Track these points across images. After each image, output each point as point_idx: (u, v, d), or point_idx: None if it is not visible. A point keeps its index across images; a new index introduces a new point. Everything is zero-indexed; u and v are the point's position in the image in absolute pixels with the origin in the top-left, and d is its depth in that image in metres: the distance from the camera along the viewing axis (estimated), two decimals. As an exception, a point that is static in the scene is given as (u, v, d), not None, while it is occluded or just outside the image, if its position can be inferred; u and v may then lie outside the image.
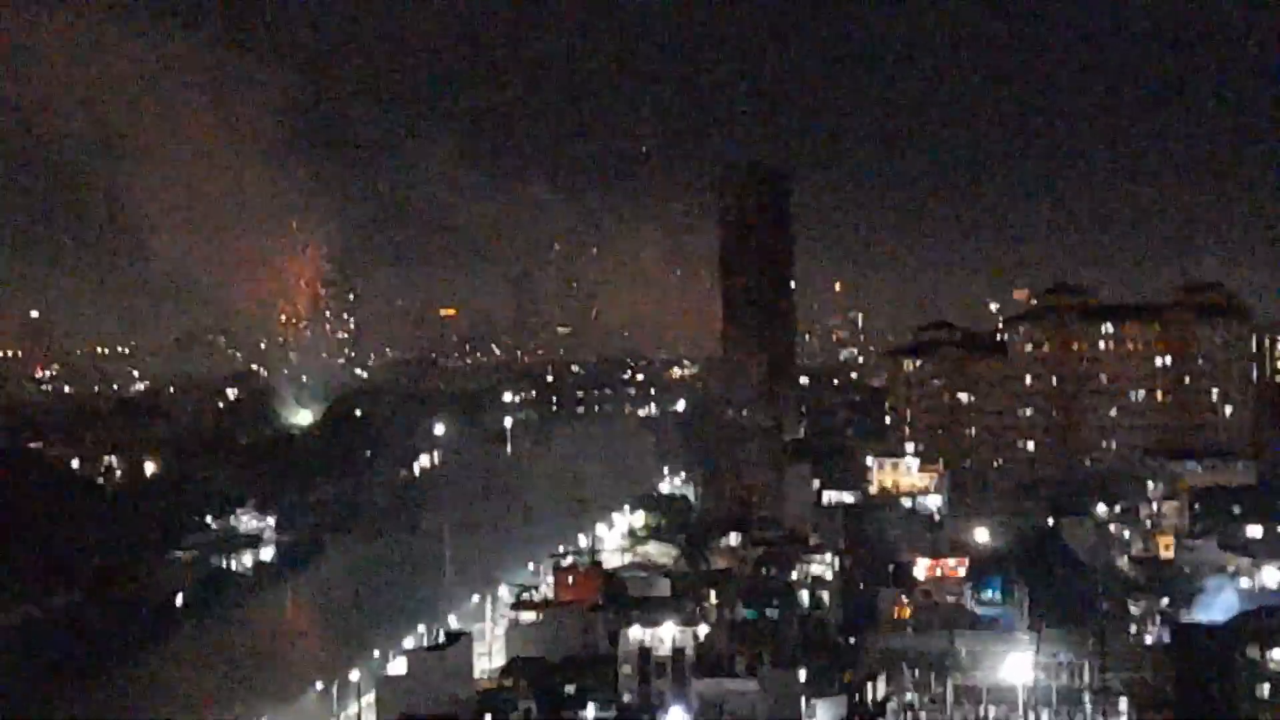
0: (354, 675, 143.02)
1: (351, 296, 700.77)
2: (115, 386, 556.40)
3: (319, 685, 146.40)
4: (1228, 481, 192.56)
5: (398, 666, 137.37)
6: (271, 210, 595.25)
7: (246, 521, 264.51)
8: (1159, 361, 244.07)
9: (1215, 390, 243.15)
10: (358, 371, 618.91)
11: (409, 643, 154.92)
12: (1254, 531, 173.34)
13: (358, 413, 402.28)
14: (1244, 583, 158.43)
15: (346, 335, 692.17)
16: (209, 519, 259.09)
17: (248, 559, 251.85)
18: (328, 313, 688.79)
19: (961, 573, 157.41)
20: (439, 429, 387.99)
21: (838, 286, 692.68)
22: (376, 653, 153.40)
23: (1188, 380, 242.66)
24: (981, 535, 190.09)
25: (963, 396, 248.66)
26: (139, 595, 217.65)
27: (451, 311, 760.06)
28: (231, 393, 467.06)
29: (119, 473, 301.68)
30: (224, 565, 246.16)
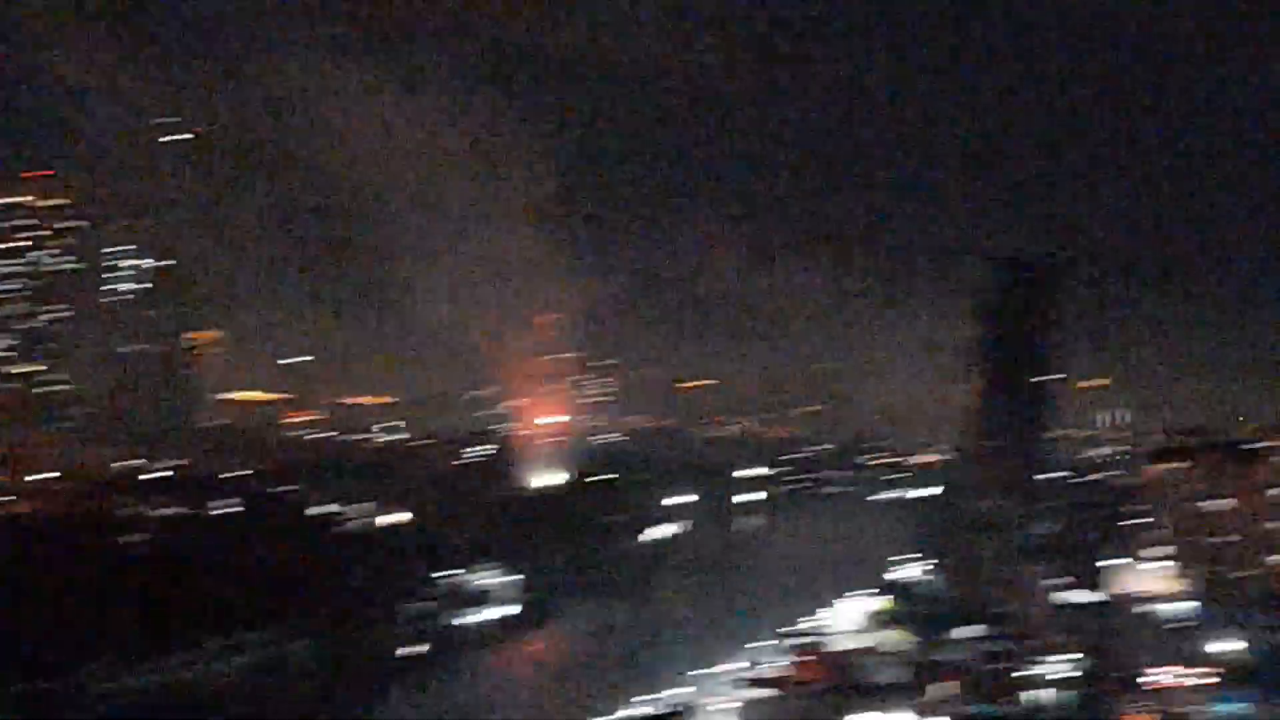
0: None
1: (610, 360, 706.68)
2: (368, 434, 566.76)
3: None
4: None
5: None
6: (538, 275, 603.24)
7: (485, 578, 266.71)
8: None
9: None
10: (612, 436, 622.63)
11: (633, 713, 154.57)
12: None
13: (602, 477, 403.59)
14: None
15: (602, 399, 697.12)
16: (450, 572, 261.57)
17: (484, 615, 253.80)
18: (584, 376, 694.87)
19: (1208, 683, 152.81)
20: (680, 499, 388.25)
21: (1101, 381, 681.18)
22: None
23: None
24: (1230, 645, 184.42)
25: (1216, 503, 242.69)
26: (374, 646, 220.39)
27: (705, 382, 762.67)
28: (485, 449, 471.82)
29: (367, 520, 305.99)
30: (456, 621, 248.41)
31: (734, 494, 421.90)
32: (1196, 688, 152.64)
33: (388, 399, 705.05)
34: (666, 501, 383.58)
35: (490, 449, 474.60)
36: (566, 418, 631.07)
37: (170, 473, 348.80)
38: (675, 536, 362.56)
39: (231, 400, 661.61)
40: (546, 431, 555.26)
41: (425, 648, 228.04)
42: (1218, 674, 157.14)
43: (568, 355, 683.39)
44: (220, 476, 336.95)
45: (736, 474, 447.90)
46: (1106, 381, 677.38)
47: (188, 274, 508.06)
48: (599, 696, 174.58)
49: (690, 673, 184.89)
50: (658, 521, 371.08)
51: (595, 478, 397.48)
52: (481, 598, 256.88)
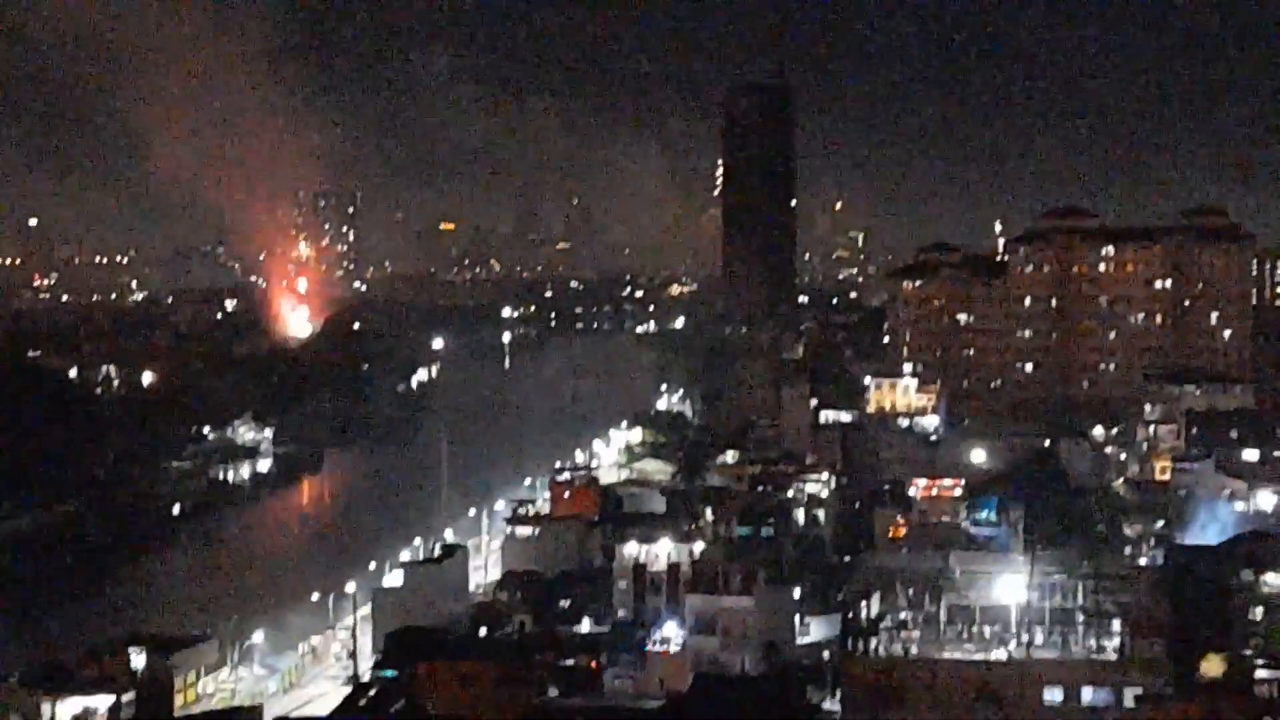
0: (350, 587, 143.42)
1: (351, 210, 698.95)
2: (114, 296, 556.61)
3: (315, 596, 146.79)
4: (1225, 405, 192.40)
5: (394, 579, 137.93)
6: (271, 121, 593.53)
7: (244, 433, 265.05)
8: (1158, 285, 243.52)
9: (1214, 314, 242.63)
10: (357, 285, 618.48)
11: (405, 556, 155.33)
12: (1250, 455, 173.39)
13: (356, 326, 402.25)
14: (1239, 506, 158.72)
15: (346, 248, 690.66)
16: (207, 430, 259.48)
17: (246, 470, 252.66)
18: (326, 225, 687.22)
19: (957, 493, 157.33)
20: (438, 343, 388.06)
21: (839, 206, 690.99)
22: (373, 565, 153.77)
23: (1187, 304, 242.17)
24: (978, 456, 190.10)
25: (962, 317, 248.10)
26: (138, 505, 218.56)
27: (451, 226, 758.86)
28: (230, 304, 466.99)
29: (117, 383, 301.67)
30: (222, 476, 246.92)
31: (496, 334, 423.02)
32: (947, 497, 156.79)
33: (128, 258, 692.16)
34: (427, 345, 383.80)
35: (241, 303, 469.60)
36: (317, 267, 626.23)
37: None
38: (436, 379, 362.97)
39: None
40: (298, 283, 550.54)
41: (193, 503, 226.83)
42: (965, 483, 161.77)
43: (313, 205, 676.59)
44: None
45: (493, 314, 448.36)
46: (841, 204, 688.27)
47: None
48: (372, 540, 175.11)
49: (461, 513, 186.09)
50: (419, 366, 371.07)
51: (349, 326, 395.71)
52: (245, 451, 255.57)
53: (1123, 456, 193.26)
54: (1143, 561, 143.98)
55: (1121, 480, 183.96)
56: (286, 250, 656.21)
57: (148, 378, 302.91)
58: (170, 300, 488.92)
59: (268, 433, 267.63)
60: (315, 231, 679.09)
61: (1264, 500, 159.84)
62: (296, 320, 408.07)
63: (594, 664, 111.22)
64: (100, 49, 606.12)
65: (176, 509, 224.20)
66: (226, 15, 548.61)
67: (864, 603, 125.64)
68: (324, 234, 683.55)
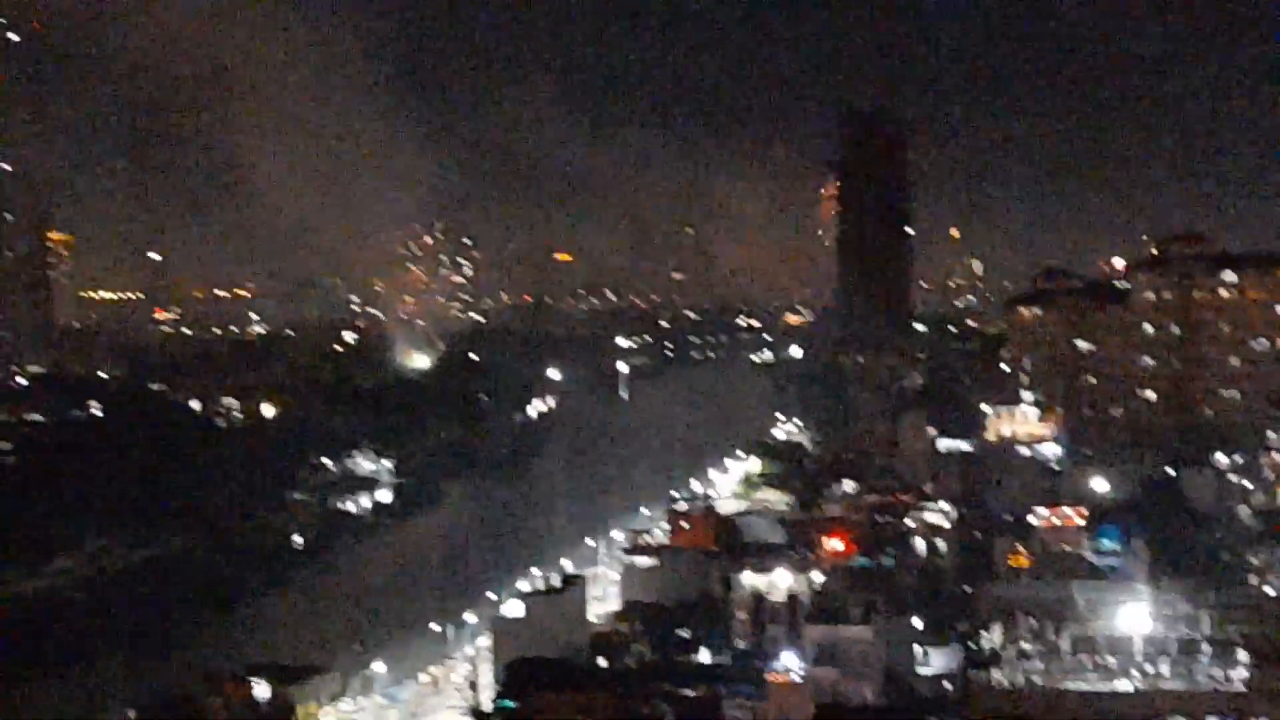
0: (470, 617, 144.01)
1: (466, 240, 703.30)
2: (234, 329, 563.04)
3: (436, 627, 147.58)
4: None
5: (513, 609, 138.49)
6: (386, 153, 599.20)
7: (364, 464, 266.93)
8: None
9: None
10: (473, 315, 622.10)
11: (525, 586, 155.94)
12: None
13: (473, 357, 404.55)
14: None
15: (462, 279, 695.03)
16: (327, 461, 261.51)
17: (365, 501, 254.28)
18: (442, 256, 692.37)
19: (1079, 522, 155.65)
20: (554, 374, 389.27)
21: (955, 233, 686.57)
22: (493, 595, 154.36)
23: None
24: (1100, 485, 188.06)
25: (1082, 345, 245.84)
26: (258, 537, 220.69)
27: (567, 256, 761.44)
28: (349, 336, 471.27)
29: (239, 415, 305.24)
30: (342, 507, 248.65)
31: (611, 364, 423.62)
32: (1069, 526, 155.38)
33: (249, 291, 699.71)
34: (542, 375, 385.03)
35: (358, 335, 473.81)
36: (433, 298, 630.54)
37: (31, 381, 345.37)
38: (553, 410, 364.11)
39: (93, 300, 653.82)
40: (413, 314, 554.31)
41: (313, 534, 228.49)
42: (1088, 512, 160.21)
43: (426, 236, 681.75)
44: (86, 378, 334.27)
45: (609, 344, 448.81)
46: (958, 231, 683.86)
47: (33, 177, 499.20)
48: (491, 571, 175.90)
49: (578, 543, 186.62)
50: (536, 397, 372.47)
51: (466, 357, 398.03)
52: (364, 483, 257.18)
53: (1248, 485, 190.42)
54: (1269, 591, 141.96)
55: (1247, 509, 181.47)
56: (403, 281, 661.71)
57: (268, 410, 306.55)
58: (290, 333, 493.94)
59: (386, 464, 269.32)
60: (431, 263, 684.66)
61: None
62: (415, 351, 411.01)
63: (713, 694, 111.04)
64: (222, 84, 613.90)
65: (297, 540, 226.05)
66: (339, 50, 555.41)
67: (985, 633, 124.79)
68: (440, 265, 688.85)
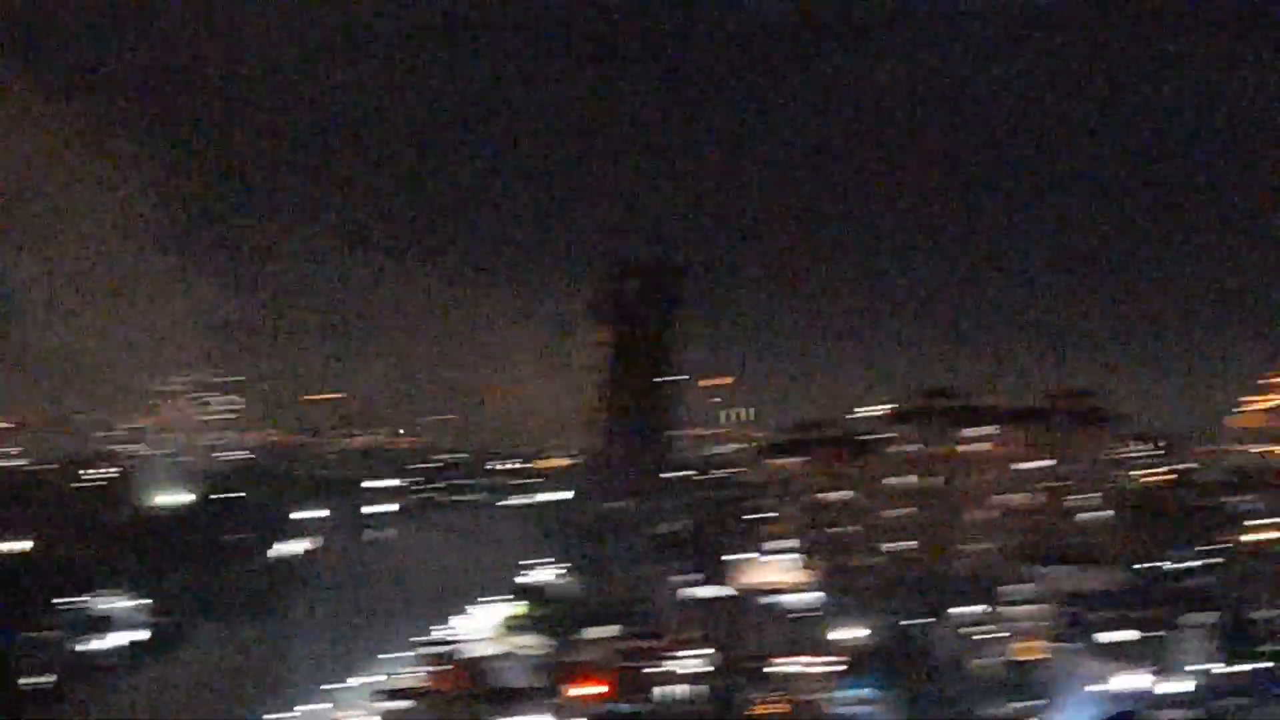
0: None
1: (234, 377, 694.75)
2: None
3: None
4: (1094, 586, 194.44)
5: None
6: (153, 286, 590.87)
7: (113, 603, 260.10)
8: (1029, 465, 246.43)
9: (1084, 495, 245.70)
10: (236, 453, 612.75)
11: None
12: (1118, 636, 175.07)
13: (232, 495, 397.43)
14: (1107, 687, 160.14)
15: (228, 415, 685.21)
16: (74, 601, 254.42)
17: (112, 641, 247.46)
18: (207, 392, 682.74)
19: (831, 671, 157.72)
20: (314, 513, 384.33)
21: (721, 380, 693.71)
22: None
23: (1057, 484, 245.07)
24: (853, 634, 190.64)
25: (835, 495, 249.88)
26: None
27: (334, 395, 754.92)
28: (106, 471, 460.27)
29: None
30: (86, 649, 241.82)
31: (365, 505, 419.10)
32: (822, 675, 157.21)
33: (7, 424, 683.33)
34: (296, 516, 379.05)
35: (112, 470, 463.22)
36: (190, 435, 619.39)
37: None
38: (306, 551, 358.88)
39: None
40: (170, 450, 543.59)
41: (51, 678, 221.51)
42: (842, 661, 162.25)
43: (189, 371, 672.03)
44: None
45: (367, 485, 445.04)
46: (728, 380, 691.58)
47: None
48: (237, 716, 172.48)
49: (327, 687, 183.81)
50: (287, 537, 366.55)
51: (221, 495, 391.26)
52: (107, 623, 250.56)
53: (994, 636, 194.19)
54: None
55: (993, 660, 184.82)
56: (165, 417, 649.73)
57: (14, 546, 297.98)
58: (47, 465, 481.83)
59: (136, 603, 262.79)
60: (195, 398, 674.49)
61: (1131, 682, 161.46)
62: (173, 488, 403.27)
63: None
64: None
65: (28, 681, 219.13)
66: (110, 184, 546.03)
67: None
68: (203, 401, 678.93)
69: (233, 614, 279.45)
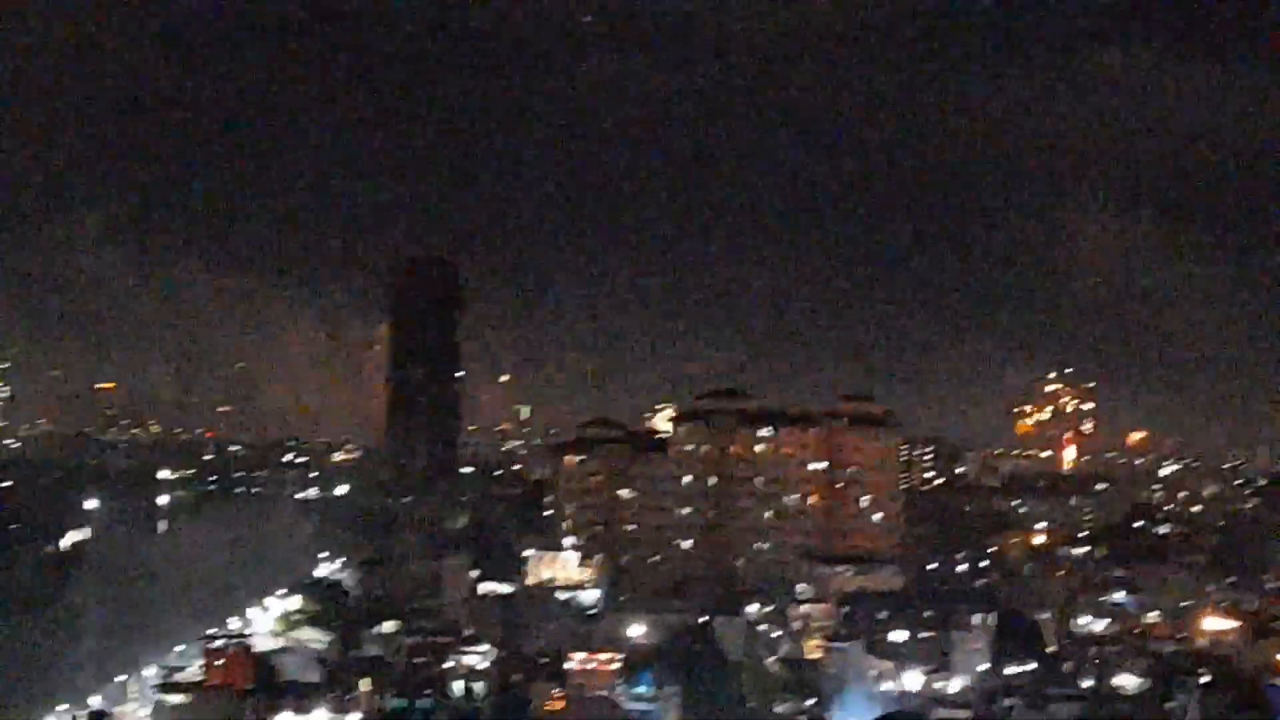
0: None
1: (4, 366, 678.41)
2: None
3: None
4: (875, 587, 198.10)
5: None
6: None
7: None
8: (813, 467, 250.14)
9: (866, 498, 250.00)
10: (8, 443, 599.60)
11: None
12: (898, 636, 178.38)
13: (5, 485, 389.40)
14: (887, 686, 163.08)
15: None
16: None
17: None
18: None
19: (615, 667, 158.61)
20: (91, 504, 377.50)
21: (505, 379, 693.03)
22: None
23: (840, 486, 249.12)
24: (637, 630, 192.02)
25: (623, 493, 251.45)
26: None
27: (110, 385, 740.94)
28: None
29: None
30: None
31: (149, 496, 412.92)
32: (605, 671, 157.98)
33: None
34: (79, 507, 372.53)
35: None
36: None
37: None
38: (87, 542, 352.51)
39: None
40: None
41: None
42: (623, 657, 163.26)
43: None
44: None
45: (149, 476, 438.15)
46: (508, 377, 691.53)
47: None
48: (14, 708, 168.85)
49: (109, 679, 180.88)
50: (70, 528, 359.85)
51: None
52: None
53: (776, 634, 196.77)
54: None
55: (775, 659, 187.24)
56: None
57: None
58: None
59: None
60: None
61: (910, 681, 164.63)
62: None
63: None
64: None
65: None
66: None
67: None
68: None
69: (9, 606, 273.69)
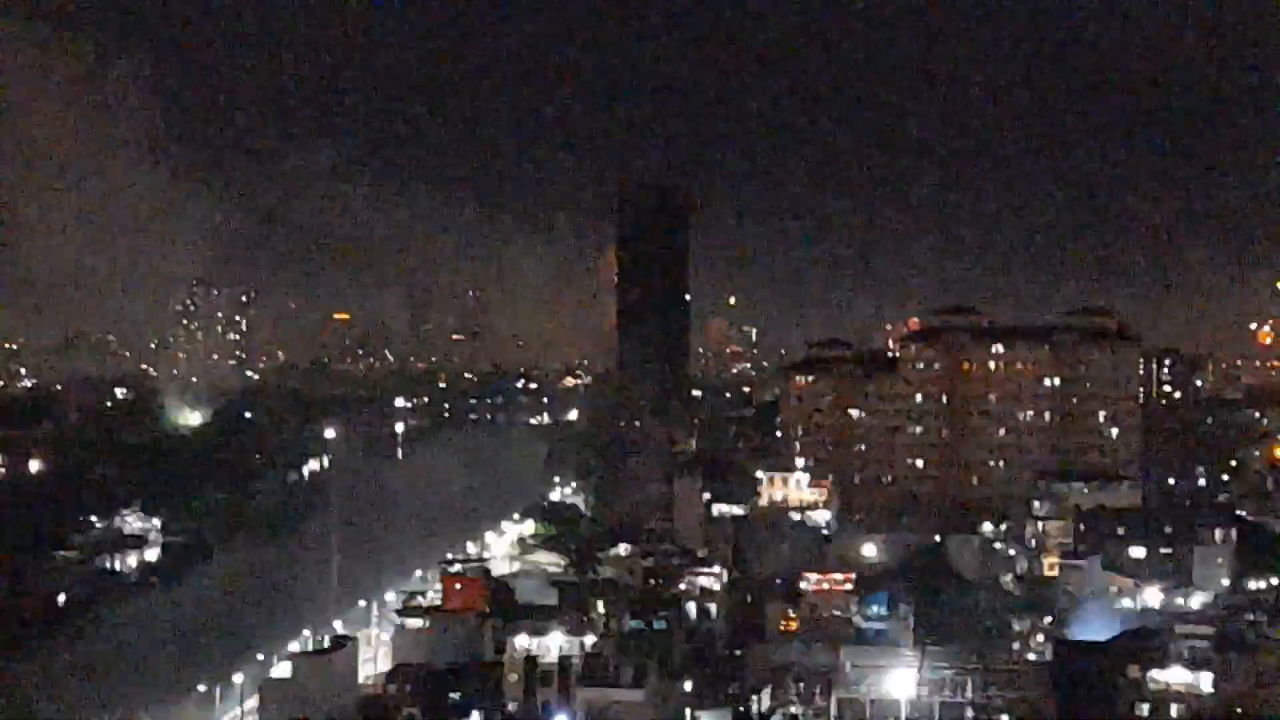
0: (238, 678, 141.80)
1: (244, 299, 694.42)
2: (2, 384, 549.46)
3: (203, 688, 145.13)
4: (1113, 503, 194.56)
5: (282, 670, 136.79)
6: (161, 209, 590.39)
7: (132, 522, 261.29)
8: (1047, 383, 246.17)
9: (1102, 413, 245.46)
10: (249, 374, 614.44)
11: (294, 647, 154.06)
12: (1137, 553, 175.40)
13: (247, 415, 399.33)
14: (1126, 603, 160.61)
15: (238, 337, 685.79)
16: (95, 519, 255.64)
17: (133, 560, 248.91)
18: (219, 314, 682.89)
19: (848, 588, 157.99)
20: (330, 433, 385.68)
21: (732, 300, 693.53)
22: (261, 656, 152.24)
23: (1075, 402, 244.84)
24: (869, 551, 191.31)
25: (854, 413, 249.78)
26: (21, 595, 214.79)
27: (345, 316, 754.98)
28: (120, 393, 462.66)
29: (3, 471, 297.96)
30: (109, 566, 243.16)
31: (386, 425, 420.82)
32: (838, 591, 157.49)
33: (16, 345, 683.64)
34: (318, 435, 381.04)
35: (129, 392, 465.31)
36: (208, 356, 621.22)
37: None
38: (327, 470, 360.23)
39: None
40: (188, 371, 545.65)
41: (79, 594, 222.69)
42: (856, 578, 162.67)
43: (202, 293, 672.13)
44: None
45: (386, 404, 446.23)
46: (736, 300, 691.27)
47: None
48: (261, 632, 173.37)
49: (351, 604, 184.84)
50: (311, 456, 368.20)
51: (241, 415, 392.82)
52: (133, 541, 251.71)
53: (1012, 553, 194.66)
54: (1031, 657, 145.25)
55: (1011, 576, 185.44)
56: (178, 338, 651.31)
57: (35, 465, 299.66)
58: (59, 388, 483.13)
59: (156, 523, 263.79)
60: (207, 320, 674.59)
61: (1149, 597, 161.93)
62: (188, 409, 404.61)
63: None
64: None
65: (61, 599, 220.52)
66: (108, 106, 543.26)
67: (756, 697, 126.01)
68: (216, 322, 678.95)
69: (257, 532, 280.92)
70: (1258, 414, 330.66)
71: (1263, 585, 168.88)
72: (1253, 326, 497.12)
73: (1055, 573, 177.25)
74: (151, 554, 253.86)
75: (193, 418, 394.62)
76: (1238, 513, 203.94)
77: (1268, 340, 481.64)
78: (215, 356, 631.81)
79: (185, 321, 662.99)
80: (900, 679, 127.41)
